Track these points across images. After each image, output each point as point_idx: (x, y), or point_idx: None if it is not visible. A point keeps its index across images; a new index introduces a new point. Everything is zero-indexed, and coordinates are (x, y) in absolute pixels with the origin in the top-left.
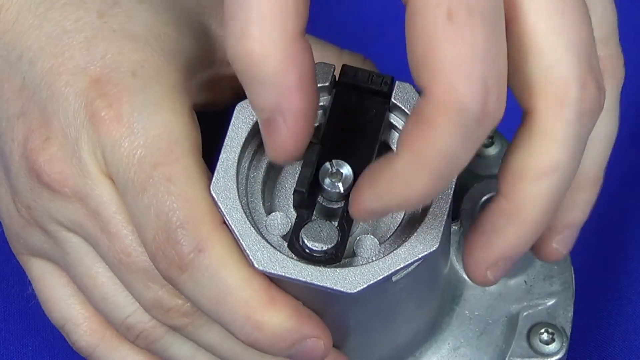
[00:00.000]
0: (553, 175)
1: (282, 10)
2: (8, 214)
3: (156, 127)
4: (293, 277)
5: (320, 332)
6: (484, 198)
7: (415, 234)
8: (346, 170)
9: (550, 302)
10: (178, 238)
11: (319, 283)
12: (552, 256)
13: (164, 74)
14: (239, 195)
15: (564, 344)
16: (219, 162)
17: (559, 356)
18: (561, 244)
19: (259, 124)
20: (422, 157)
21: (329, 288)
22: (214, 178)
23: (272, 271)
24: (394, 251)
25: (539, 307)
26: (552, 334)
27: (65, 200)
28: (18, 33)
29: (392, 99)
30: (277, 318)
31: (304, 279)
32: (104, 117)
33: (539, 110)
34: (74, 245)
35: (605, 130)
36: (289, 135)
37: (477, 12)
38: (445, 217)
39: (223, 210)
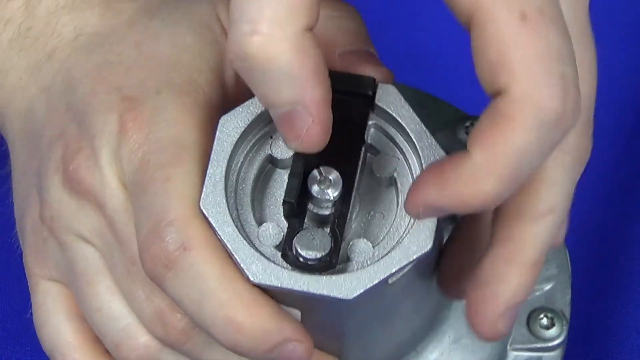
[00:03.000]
0: (549, 217)
1: (292, 7)
2: (33, 229)
3: (170, 138)
4: (289, 287)
5: (301, 335)
6: None
7: (408, 235)
8: (334, 176)
9: (548, 287)
10: (164, 235)
11: (315, 292)
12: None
13: (186, 91)
14: (229, 209)
15: (564, 328)
16: (207, 178)
17: (559, 340)
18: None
19: (275, 119)
20: (497, 156)
21: (325, 296)
22: (203, 194)
23: (268, 283)
24: (388, 254)
25: (537, 293)
26: (552, 318)
27: (88, 209)
28: (66, 69)
29: (376, 101)
30: (258, 320)
31: (300, 289)
32: (128, 129)
33: None
34: (84, 255)
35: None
36: (316, 123)
37: (548, 14)
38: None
39: (214, 225)
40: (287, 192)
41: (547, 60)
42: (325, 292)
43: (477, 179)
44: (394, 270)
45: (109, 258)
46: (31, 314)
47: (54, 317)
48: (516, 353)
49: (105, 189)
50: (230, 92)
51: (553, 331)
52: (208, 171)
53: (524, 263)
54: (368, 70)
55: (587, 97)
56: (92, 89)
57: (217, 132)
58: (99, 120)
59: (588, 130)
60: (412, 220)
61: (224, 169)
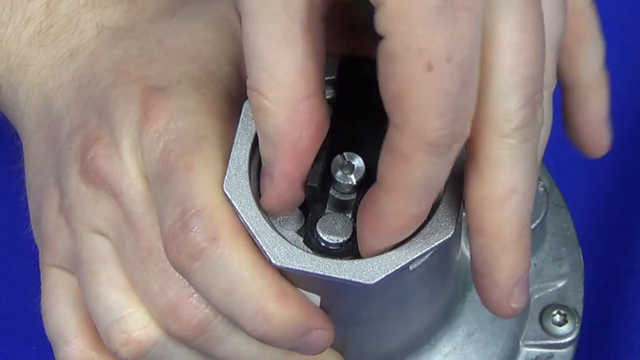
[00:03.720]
0: (513, 197)
1: (289, 73)
2: (47, 218)
3: (190, 126)
4: (311, 271)
5: (325, 323)
6: None
7: (430, 222)
8: (357, 161)
9: (561, 284)
10: (192, 225)
11: (337, 276)
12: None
13: (205, 83)
14: (252, 192)
15: (576, 325)
16: (230, 160)
17: (572, 337)
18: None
19: None
20: (404, 188)
21: (347, 280)
22: (226, 176)
23: (290, 266)
24: (411, 240)
25: (550, 290)
26: (565, 315)
27: (105, 199)
28: (88, 65)
29: None
30: (287, 311)
31: (322, 273)
32: (149, 118)
33: (480, 139)
34: (92, 244)
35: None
36: (273, 191)
37: (455, 60)
38: (460, 203)
39: (237, 208)
40: (311, 176)
41: (442, 103)
42: (346, 277)
43: (396, 211)
44: (416, 256)
45: (121, 249)
46: (36, 301)
47: (60, 304)
48: (528, 349)
49: (124, 178)
50: None
51: (565, 328)
52: (231, 154)
53: (506, 246)
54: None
55: (534, 74)
56: (113, 81)
57: (242, 115)
58: (119, 111)
59: (533, 111)
60: (433, 209)
61: (247, 152)
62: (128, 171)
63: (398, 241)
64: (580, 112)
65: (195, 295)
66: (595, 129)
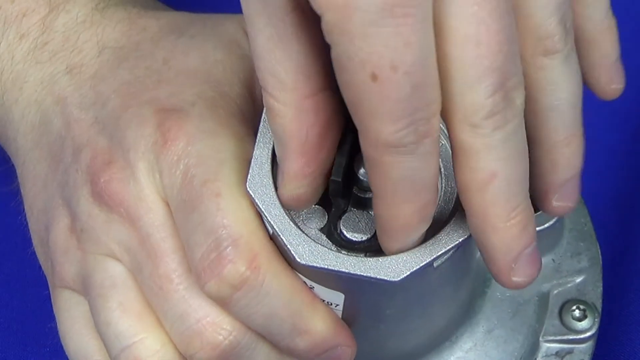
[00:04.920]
0: (494, 181)
1: (294, 72)
2: (55, 240)
3: (210, 149)
4: (336, 269)
5: (350, 341)
6: None
7: (454, 218)
8: None
9: (579, 279)
10: (229, 256)
11: (362, 273)
12: (559, 212)
13: (219, 104)
14: (275, 191)
15: (596, 320)
16: (252, 159)
17: (592, 332)
18: (563, 199)
19: None
20: (386, 191)
21: (372, 278)
22: (249, 175)
23: (315, 265)
24: (435, 236)
25: (569, 285)
26: (584, 310)
27: (119, 223)
28: (92, 86)
29: None
30: (320, 326)
31: (346, 270)
32: (164, 142)
33: (454, 131)
34: (104, 268)
35: (563, 94)
36: (284, 189)
37: (401, 68)
38: None
39: (260, 206)
40: (334, 170)
41: (395, 109)
42: (372, 274)
43: (393, 215)
44: (440, 253)
45: (138, 274)
46: (50, 327)
47: (77, 325)
48: (548, 345)
49: (142, 202)
50: (261, 106)
51: (585, 323)
52: (254, 153)
53: (495, 226)
54: None
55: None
56: (122, 103)
57: (263, 114)
58: (133, 133)
59: (505, 97)
60: (456, 205)
61: (269, 151)
62: (146, 195)
63: (416, 238)
64: (588, 57)
65: (217, 321)
66: (604, 73)
